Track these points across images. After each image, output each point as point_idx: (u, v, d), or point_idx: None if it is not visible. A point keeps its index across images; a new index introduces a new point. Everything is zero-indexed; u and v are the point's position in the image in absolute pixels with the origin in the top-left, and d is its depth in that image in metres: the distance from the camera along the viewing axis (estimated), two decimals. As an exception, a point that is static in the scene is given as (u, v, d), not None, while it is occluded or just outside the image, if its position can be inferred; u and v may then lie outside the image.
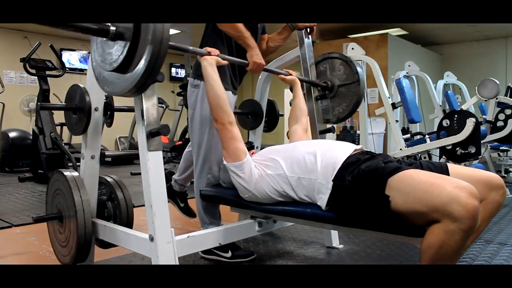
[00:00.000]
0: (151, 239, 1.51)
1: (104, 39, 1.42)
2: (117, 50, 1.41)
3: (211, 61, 1.77)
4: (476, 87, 4.52)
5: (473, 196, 1.19)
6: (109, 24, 1.39)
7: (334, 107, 2.51)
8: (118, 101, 1.95)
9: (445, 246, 1.19)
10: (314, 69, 2.44)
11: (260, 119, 2.69)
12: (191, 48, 1.75)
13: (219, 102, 1.74)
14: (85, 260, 1.87)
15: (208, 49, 1.79)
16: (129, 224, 1.94)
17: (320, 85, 2.41)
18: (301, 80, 2.33)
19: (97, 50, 1.54)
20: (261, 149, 2.64)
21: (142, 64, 1.35)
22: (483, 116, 4.98)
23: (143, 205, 1.56)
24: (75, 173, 1.89)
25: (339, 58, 2.52)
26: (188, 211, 2.69)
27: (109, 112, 2.07)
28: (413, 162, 1.59)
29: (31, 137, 5.16)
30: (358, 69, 2.45)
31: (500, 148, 5.17)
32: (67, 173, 1.88)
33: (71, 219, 1.82)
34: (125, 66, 1.40)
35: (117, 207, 1.96)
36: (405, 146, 3.47)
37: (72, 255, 1.83)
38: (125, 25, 1.36)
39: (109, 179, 2.03)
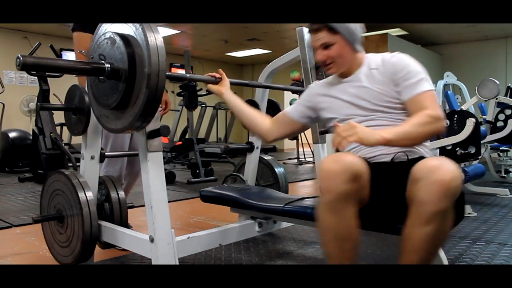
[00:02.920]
0: (151, 240, 1.51)
1: (101, 77, 1.43)
2: (113, 88, 1.41)
3: (222, 89, 1.76)
4: (476, 87, 4.52)
5: (334, 162, 1.22)
6: (103, 62, 1.39)
7: None
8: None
9: (320, 224, 1.27)
10: (314, 71, 2.44)
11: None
12: (188, 75, 1.75)
13: (251, 126, 1.79)
14: (87, 260, 1.88)
15: (212, 74, 1.78)
16: (123, 225, 1.94)
17: None
18: (299, 91, 2.31)
19: (92, 88, 1.55)
20: (260, 150, 2.65)
21: (141, 99, 1.35)
22: (483, 116, 4.98)
23: (143, 206, 1.56)
24: (77, 173, 1.89)
25: None
26: None
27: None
28: None
29: (31, 137, 5.15)
30: None
31: (500, 148, 5.16)
32: (69, 173, 1.88)
33: (75, 219, 1.82)
34: (123, 104, 1.40)
35: (112, 208, 1.97)
36: (405, 146, 3.46)
37: (76, 255, 1.83)
38: (120, 63, 1.37)
39: (106, 179, 2.03)
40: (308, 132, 2.33)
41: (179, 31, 7.72)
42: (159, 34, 1.35)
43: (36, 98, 5.44)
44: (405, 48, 7.63)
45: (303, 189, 4.84)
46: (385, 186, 1.40)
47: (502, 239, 2.57)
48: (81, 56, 2.22)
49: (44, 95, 4.84)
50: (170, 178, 4.86)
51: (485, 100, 4.65)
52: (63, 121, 2.55)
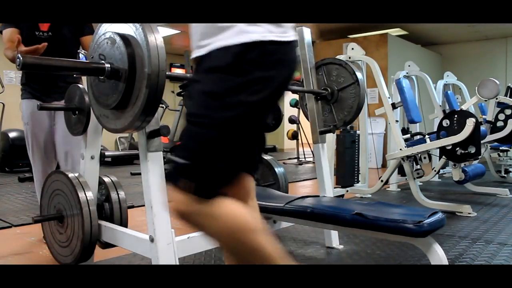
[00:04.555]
0: (151, 240, 1.51)
1: (101, 77, 1.43)
2: (113, 88, 1.41)
3: None
4: (476, 87, 4.52)
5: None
6: (103, 62, 1.39)
7: (338, 111, 2.50)
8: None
9: None
10: (314, 71, 2.44)
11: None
12: (188, 75, 1.76)
13: None
14: (87, 260, 1.87)
15: None
16: (123, 225, 1.94)
17: (319, 93, 2.41)
18: (299, 91, 2.31)
19: (92, 88, 1.55)
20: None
21: (141, 99, 1.35)
22: (483, 116, 4.98)
23: (143, 205, 1.56)
24: (77, 173, 1.89)
25: (333, 63, 2.51)
26: None
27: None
28: None
29: (31, 137, 5.15)
30: (355, 70, 2.45)
31: (500, 148, 5.16)
32: (69, 173, 1.88)
33: (75, 219, 1.82)
34: (123, 104, 1.40)
35: (112, 208, 1.97)
36: (405, 146, 3.47)
37: (76, 255, 1.83)
38: (120, 63, 1.36)
39: (106, 179, 2.03)
40: (308, 132, 2.33)
41: (179, 31, 7.71)
42: (159, 34, 1.35)
43: (36, 98, 5.44)
44: (405, 48, 7.64)
45: (303, 189, 4.84)
46: None
47: (502, 239, 2.57)
48: (9, 49, 2.15)
49: (44, 95, 4.84)
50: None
51: (485, 100, 4.65)
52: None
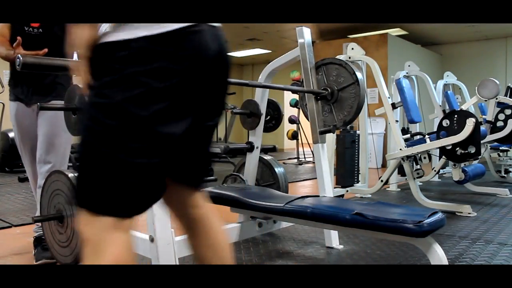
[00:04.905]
0: (151, 240, 1.51)
1: None
2: None
3: None
4: (476, 87, 4.52)
5: None
6: None
7: (338, 111, 2.50)
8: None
9: None
10: (314, 71, 2.44)
11: (259, 119, 2.69)
12: None
13: None
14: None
15: None
16: None
17: (319, 93, 2.41)
18: (299, 91, 2.31)
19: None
20: (260, 150, 2.65)
21: None
22: (483, 116, 4.98)
23: (143, 205, 1.56)
24: (77, 173, 1.89)
25: (333, 63, 2.51)
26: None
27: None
28: None
29: (31, 137, 5.15)
30: (355, 70, 2.45)
31: (500, 148, 5.17)
32: (69, 173, 1.88)
33: (75, 219, 1.82)
34: None
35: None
36: (405, 146, 3.47)
37: (76, 255, 1.83)
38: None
39: None
40: (308, 132, 2.33)
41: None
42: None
43: (36, 98, 5.44)
44: (405, 48, 7.64)
45: (303, 189, 4.84)
46: None
47: (502, 239, 2.58)
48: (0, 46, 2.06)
49: (44, 95, 4.83)
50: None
51: (485, 100, 4.65)
52: (63, 121, 2.54)
